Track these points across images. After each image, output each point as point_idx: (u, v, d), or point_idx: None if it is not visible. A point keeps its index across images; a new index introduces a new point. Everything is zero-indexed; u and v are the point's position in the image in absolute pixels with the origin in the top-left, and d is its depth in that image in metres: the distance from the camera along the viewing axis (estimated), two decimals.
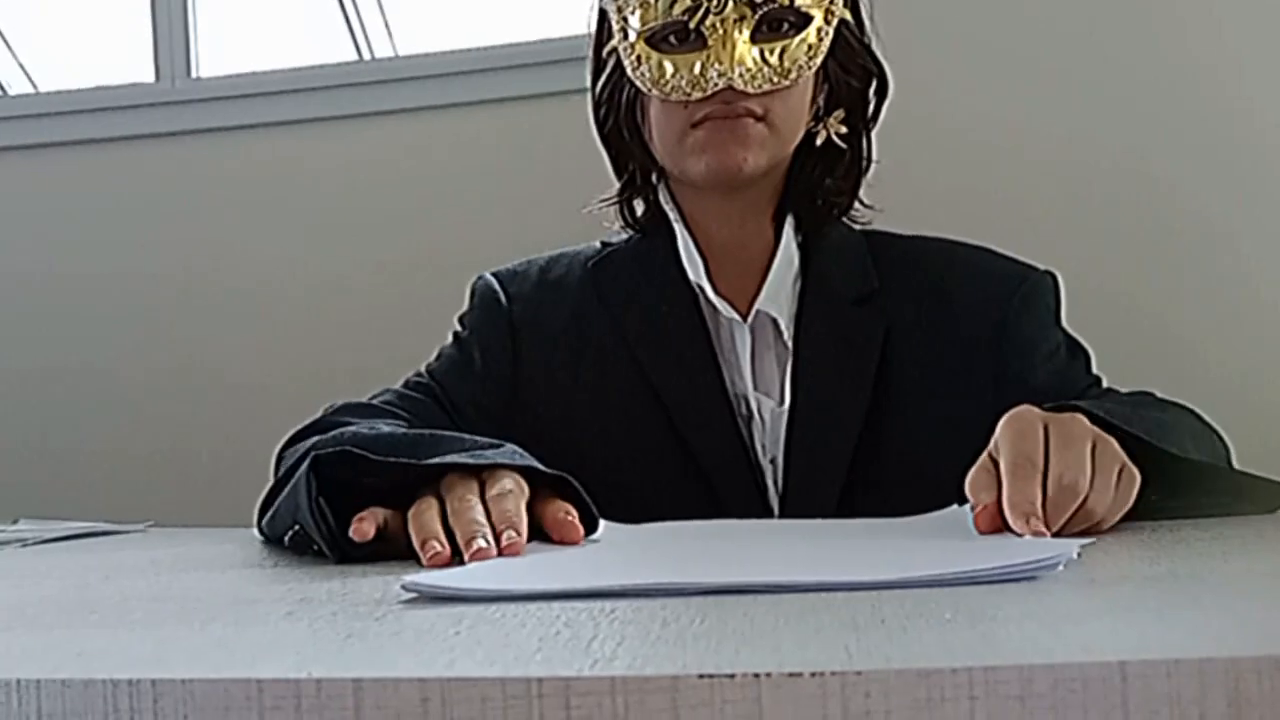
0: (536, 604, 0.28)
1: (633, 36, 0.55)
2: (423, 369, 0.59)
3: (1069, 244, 0.86)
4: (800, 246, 0.57)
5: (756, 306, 0.56)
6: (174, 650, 0.25)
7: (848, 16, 0.56)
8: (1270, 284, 0.97)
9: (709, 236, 0.58)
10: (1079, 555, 0.31)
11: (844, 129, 0.57)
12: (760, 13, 0.53)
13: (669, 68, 0.54)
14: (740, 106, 0.53)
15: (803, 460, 0.53)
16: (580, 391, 0.56)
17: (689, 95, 0.53)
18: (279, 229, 1.15)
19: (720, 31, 0.53)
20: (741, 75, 0.52)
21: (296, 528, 0.40)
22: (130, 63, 1.23)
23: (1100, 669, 0.20)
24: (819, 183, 0.57)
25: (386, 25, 1.24)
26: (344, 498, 0.40)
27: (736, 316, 0.56)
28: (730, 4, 0.53)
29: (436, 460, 0.41)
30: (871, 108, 0.58)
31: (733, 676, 0.20)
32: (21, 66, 1.33)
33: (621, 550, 0.38)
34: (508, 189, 1.09)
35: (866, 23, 0.58)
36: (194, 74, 1.20)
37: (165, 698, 0.21)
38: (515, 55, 1.11)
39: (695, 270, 0.56)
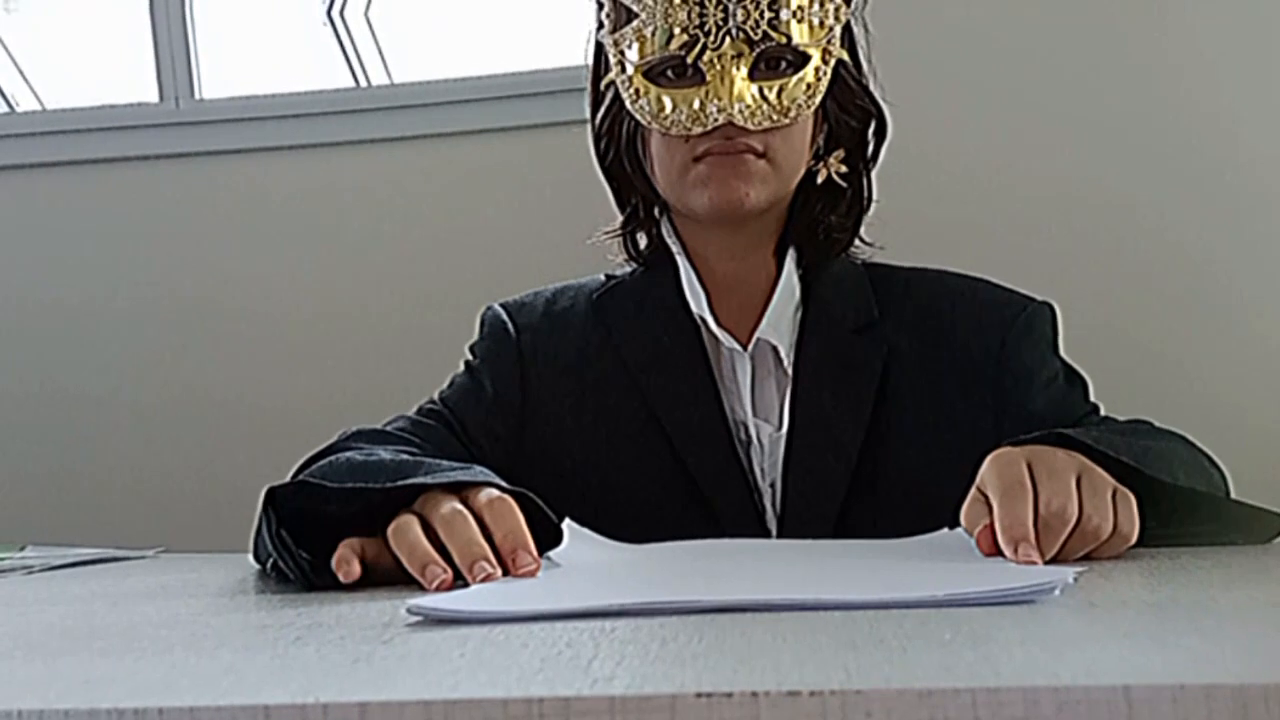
0: (539, 625, 0.28)
1: (630, 70, 0.56)
2: (436, 396, 0.60)
3: (1065, 275, 0.86)
4: (801, 278, 0.58)
5: (757, 335, 0.56)
6: (181, 677, 0.25)
7: (845, 57, 0.57)
8: (1264, 311, 0.98)
9: (711, 269, 0.59)
10: (1075, 580, 0.31)
11: (844, 168, 0.58)
12: (758, 50, 0.54)
13: (668, 102, 0.54)
14: (741, 143, 0.54)
15: (800, 484, 0.54)
16: (585, 419, 0.57)
17: (689, 130, 0.54)
18: (284, 251, 1.17)
19: (718, 67, 0.54)
20: (741, 111, 0.53)
21: (272, 558, 0.41)
22: (136, 82, 1.23)
23: (1105, 692, 0.20)
24: (821, 219, 0.58)
25: (380, 54, 1.27)
26: (316, 526, 0.40)
27: (737, 346, 0.56)
28: (727, 40, 0.54)
29: (393, 484, 0.41)
30: (871, 148, 0.59)
31: (730, 695, 0.20)
32: (29, 84, 1.34)
33: (622, 570, 0.38)
34: (510, 217, 1.10)
35: (864, 65, 0.59)
36: (198, 95, 1.21)
37: None
38: (528, 84, 1.14)
39: (697, 302, 0.57)
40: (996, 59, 1.04)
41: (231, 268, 1.18)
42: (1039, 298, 0.59)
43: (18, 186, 1.23)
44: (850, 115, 0.58)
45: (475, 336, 0.61)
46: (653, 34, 0.55)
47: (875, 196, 0.60)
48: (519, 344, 0.59)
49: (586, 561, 0.40)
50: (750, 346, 0.56)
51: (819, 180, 0.58)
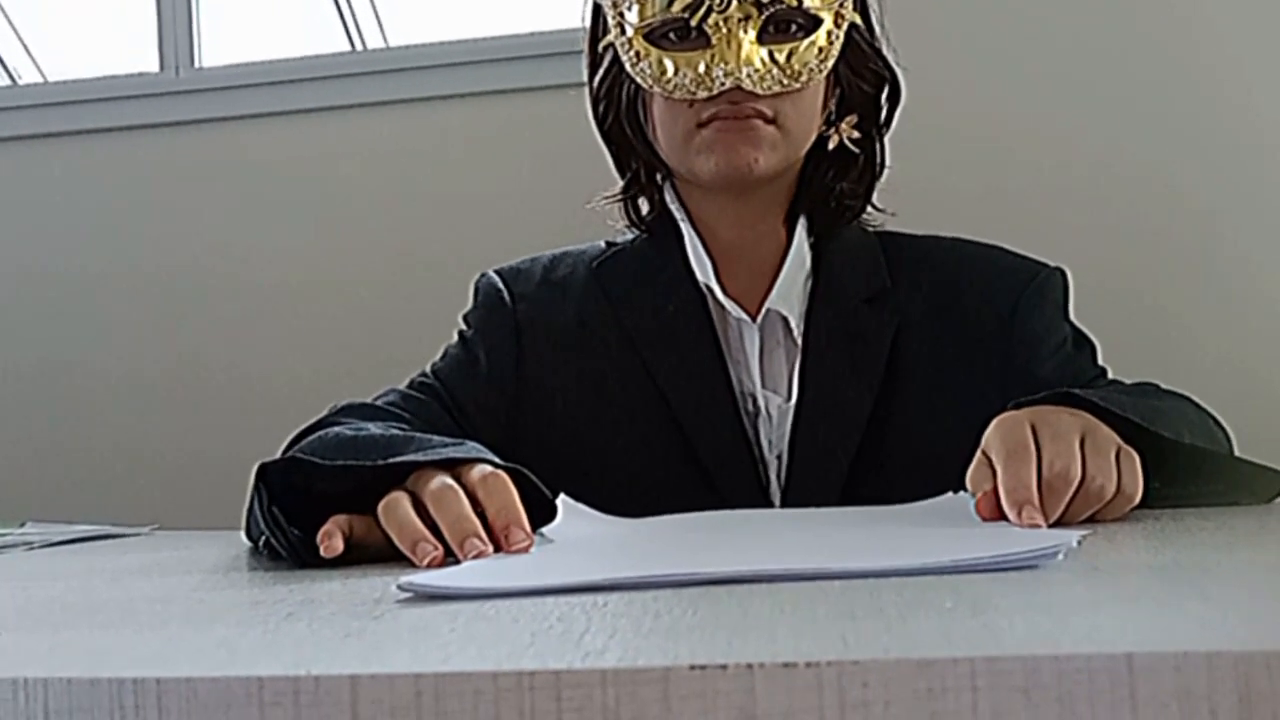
0: (530, 599, 0.28)
1: (630, 32, 0.54)
2: (428, 369, 0.59)
3: (1076, 241, 0.85)
4: (812, 247, 0.57)
5: (767, 305, 0.55)
6: (178, 650, 0.25)
7: (858, 20, 0.55)
8: (1272, 277, 0.96)
9: (717, 237, 0.57)
10: (1079, 544, 0.30)
11: (857, 134, 0.56)
12: (767, 13, 0.52)
13: (670, 65, 0.53)
14: (749, 107, 0.52)
15: (807, 455, 0.53)
16: (584, 390, 0.55)
17: (694, 94, 0.52)
18: (284, 219, 1.16)
19: (724, 30, 0.52)
20: (750, 76, 0.52)
21: (265, 535, 0.40)
22: (136, 52, 1.23)
23: (1107, 660, 0.19)
24: (832, 186, 0.57)
25: (377, 17, 1.25)
26: (308, 503, 0.40)
27: (746, 317, 0.55)
28: (734, 3, 0.52)
29: (384, 461, 0.40)
30: (884, 113, 0.58)
31: (725, 667, 0.19)
32: (31, 56, 1.34)
33: (614, 543, 0.38)
34: (509, 181, 1.08)
35: (877, 28, 0.57)
36: (198, 64, 1.20)
37: (169, 695, 0.21)
38: (525, 46, 1.11)
39: (704, 271, 0.56)
40: (1010, 24, 1.02)
41: (233, 237, 1.17)
42: (1051, 263, 0.58)
43: (20, 157, 1.22)
44: (863, 79, 0.56)
45: (469, 305, 0.60)
46: None
47: (888, 163, 0.58)
48: (514, 313, 0.58)
49: (578, 536, 0.40)
50: (759, 317, 0.55)
51: (830, 146, 0.56)
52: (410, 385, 0.58)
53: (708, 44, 0.52)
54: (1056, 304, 0.57)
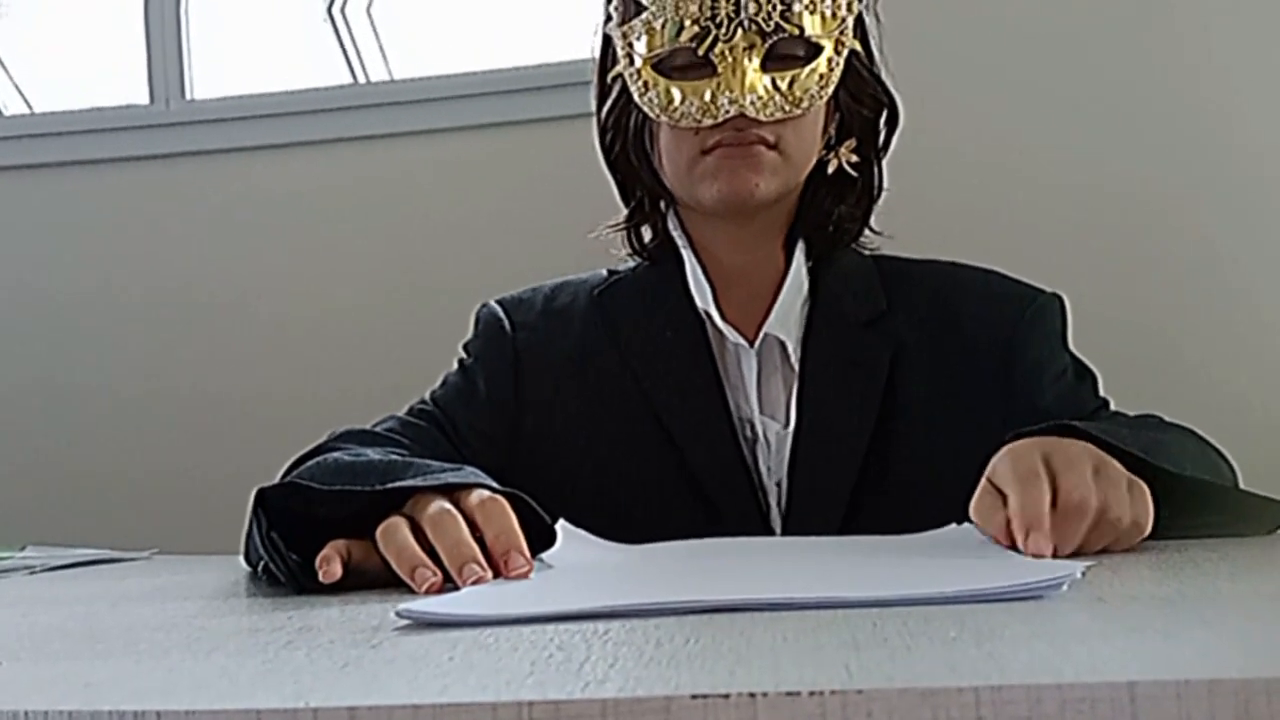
0: (530, 627, 0.27)
1: (639, 62, 0.55)
2: (428, 396, 0.59)
3: (1073, 266, 0.86)
4: (810, 271, 0.57)
5: (764, 330, 0.55)
6: (178, 680, 0.25)
7: (858, 47, 0.56)
8: (1271, 303, 0.97)
9: (718, 263, 0.58)
10: (1083, 575, 0.30)
11: (855, 158, 0.57)
12: (770, 41, 0.53)
13: (677, 94, 0.53)
14: (752, 134, 0.53)
15: (806, 481, 0.53)
16: (584, 418, 0.56)
17: (700, 122, 0.53)
18: (277, 250, 1.16)
19: (730, 59, 0.53)
20: (753, 103, 0.52)
21: (263, 560, 0.40)
22: (125, 84, 1.23)
23: (1109, 689, 0.19)
24: (830, 210, 0.57)
25: (381, 49, 1.26)
26: (306, 528, 0.40)
27: (743, 342, 0.55)
28: (740, 32, 0.53)
29: (382, 486, 0.40)
30: (882, 137, 0.58)
31: (727, 696, 0.19)
32: (17, 87, 1.33)
33: (615, 570, 0.38)
34: (504, 214, 1.09)
35: (876, 54, 0.58)
36: (188, 96, 1.21)
37: None
38: (514, 80, 1.13)
39: (703, 297, 0.56)
40: (1007, 49, 1.03)
41: (226, 267, 1.17)
42: (1048, 289, 0.58)
43: (9, 189, 1.23)
44: (862, 105, 0.57)
45: (470, 334, 0.60)
46: (662, 26, 0.54)
47: (885, 185, 0.59)
48: (514, 342, 0.58)
49: (579, 562, 0.40)
50: (757, 342, 0.55)
51: (830, 170, 0.57)
52: (410, 412, 0.58)
53: (714, 72, 0.53)
54: (1055, 332, 0.57)
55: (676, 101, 0.54)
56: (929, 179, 0.89)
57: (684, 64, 0.54)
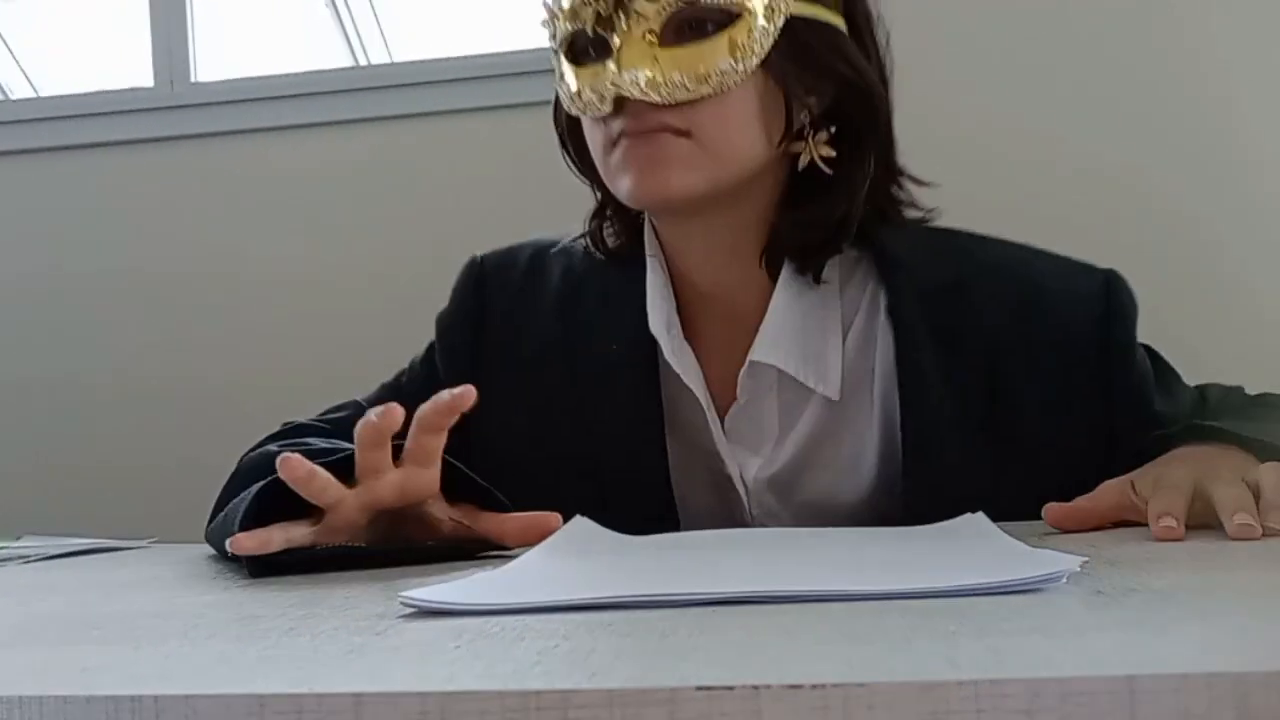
0: (535, 616, 0.27)
1: (558, 48, 0.49)
2: (398, 375, 0.57)
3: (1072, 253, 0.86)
4: (817, 279, 0.48)
5: (751, 358, 0.48)
6: (177, 666, 0.25)
7: (808, 12, 0.46)
8: (1271, 293, 0.97)
9: (691, 282, 0.50)
10: (1081, 569, 0.30)
11: (831, 151, 0.47)
12: (668, 14, 0.45)
13: (573, 81, 0.47)
14: (653, 120, 0.45)
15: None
16: (526, 427, 0.51)
17: (598, 110, 0.46)
18: (280, 233, 1.16)
19: (627, 37, 0.45)
20: (636, 83, 0.44)
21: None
22: (129, 67, 1.24)
23: (1108, 683, 0.19)
24: (817, 214, 0.48)
25: (381, 32, 1.26)
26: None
27: (698, 375, 0.49)
28: (634, 5, 0.45)
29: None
30: (867, 124, 0.48)
31: (731, 688, 0.19)
32: (23, 71, 1.35)
33: (620, 561, 0.38)
34: (505, 196, 1.09)
35: (872, 26, 0.49)
36: (192, 79, 1.20)
37: (168, 713, 0.21)
38: (514, 63, 1.12)
39: (658, 316, 0.49)
40: (1007, 40, 1.02)
41: (228, 250, 1.17)
42: (1104, 270, 0.50)
43: (13, 173, 1.22)
44: (822, 83, 0.47)
45: (450, 301, 0.56)
46: (563, 6, 0.47)
47: (902, 169, 0.50)
48: (484, 325, 0.53)
49: (586, 552, 0.40)
50: (741, 372, 0.48)
51: (800, 166, 0.47)
52: (377, 393, 0.56)
53: (609, 53, 0.46)
54: (1134, 340, 0.49)
55: (574, 89, 0.47)
56: (927, 171, 0.89)
57: (584, 46, 0.47)
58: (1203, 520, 0.38)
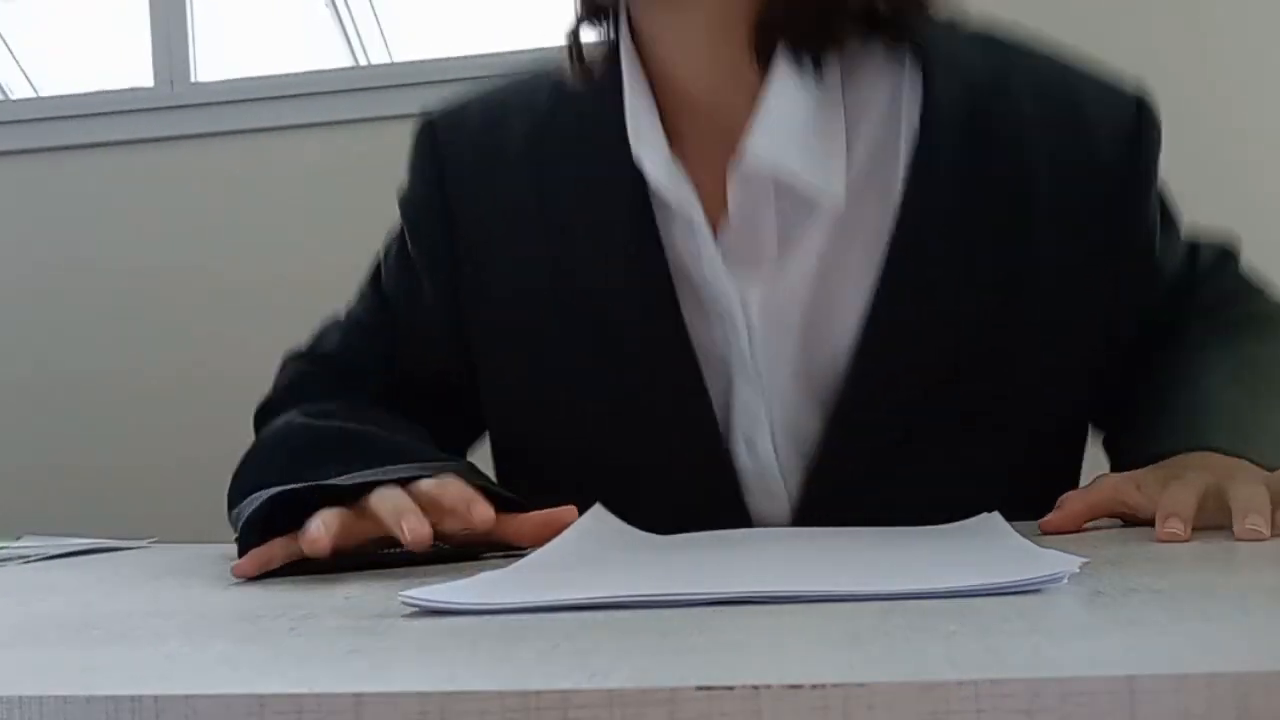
0: (535, 616, 0.27)
1: None
2: (374, 273, 0.51)
3: None
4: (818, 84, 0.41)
5: (740, 160, 0.41)
6: (177, 666, 0.25)
7: None
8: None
9: (676, 89, 0.43)
10: (1081, 569, 0.30)
11: None
12: None
13: None
14: None
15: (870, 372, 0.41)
16: (518, 309, 0.45)
17: None
18: (279, 234, 1.16)
19: None
20: None
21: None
22: (129, 67, 1.24)
23: (1108, 683, 0.19)
24: None
25: (382, 32, 1.26)
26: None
27: (693, 197, 0.42)
28: None
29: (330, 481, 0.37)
30: None
31: (732, 688, 0.19)
32: (23, 71, 1.36)
33: (621, 560, 0.38)
34: None
35: None
36: (192, 79, 1.21)
37: (168, 713, 0.21)
38: (514, 63, 1.12)
39: (639, 135, 0.42)
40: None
41: (229, 252, 1.17)
42: (1135, 93, 0.44)
43: (13, 173, 1.22)
44: None
45: (407, 173, 0.49)
46: None
47: None
48: (448, 199, 0.47)
49: (587, 552, 0.40)
50: (732, 179, 0.41)
51: None
52: (355, 307, 0.52)
53: None
54: (1155, 171, 0.44)
55: None
56: None
57: None
58: (1214, 523, 0.38)
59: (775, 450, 0.45)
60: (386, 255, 0.53)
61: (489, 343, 0.48)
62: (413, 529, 0.35)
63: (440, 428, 0.48)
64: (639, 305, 0.44)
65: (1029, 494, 0.42)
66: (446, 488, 0.37)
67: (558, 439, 0.46)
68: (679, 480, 0.45)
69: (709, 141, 0.44)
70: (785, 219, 0.43)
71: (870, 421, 0.43)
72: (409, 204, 0.51)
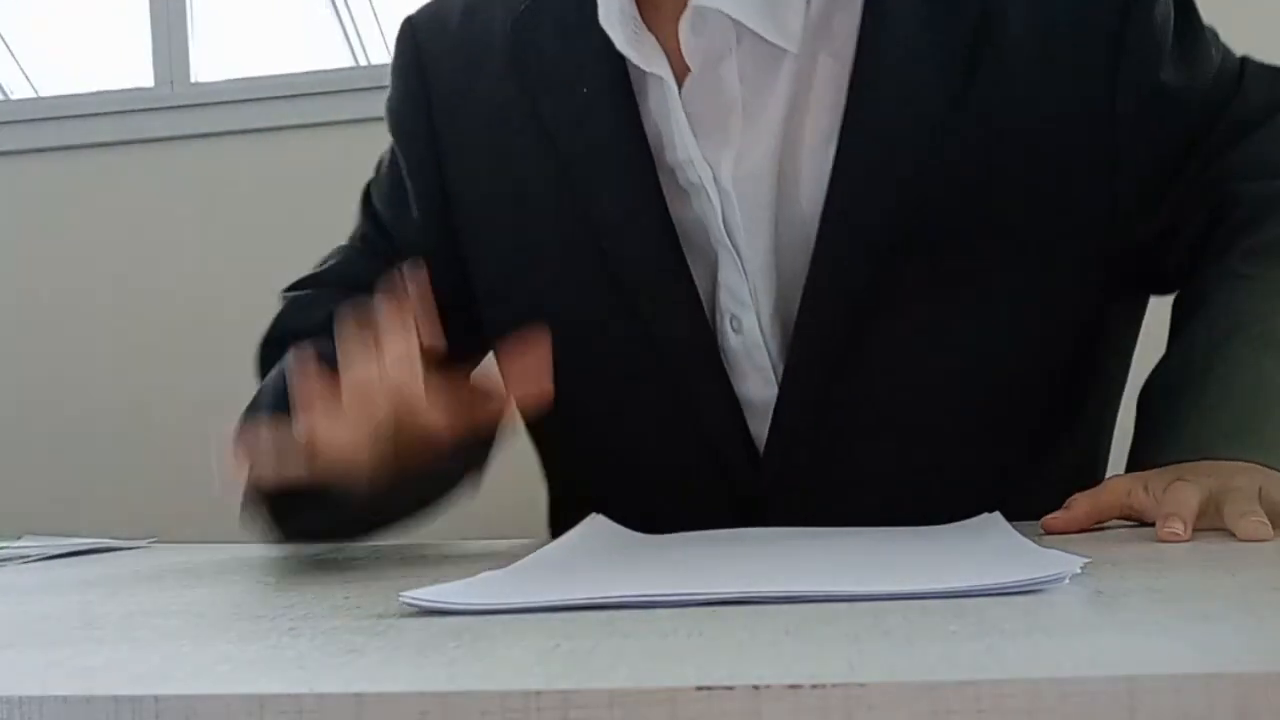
0: (536, 616, 0.28)
1: None
2: (365, 196, 0.51)
3: None
4: None
5: (693, 2, 0.40)
6: (177, 666, 0.25)
7: None
8: None
9: None
10: (1082, 570, 0.30)
11: None
12: None
13: None
14: None
15: (835, 226, 0.38)
16: (507, 212, 0.44)
17: None
18: (279, 234, 1.16)
19: None
20: None
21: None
22: (129, 67, 1.24)
23: (1108, 683, 0.19)
24: None
25: (382, 32, 1.26)
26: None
27: (662, 59, 0.41)
28: None
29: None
30: None
31: (731, 688, 0.19)
32: (23, 71, 1.35)
33: (621, 560, 0.38)
34: None
35: None
36: (193, 79, 1.21)
37: (167, 713, 0.21)
38: None
39: (609, 3, 0.41)
40: None
41: (229, 252, 1.17)
42: None
43: (12, 173, 1.22)
44: None
45: (390, 77, 0.49)
46: None
47: None
48: (431, 106, 0.46)
49: (588, 552, 0.40)
50: (684, 21, 0.40)
51: None
52: (354, 232, 0.52)
53: None
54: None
55: None
56: None
57: None
58: (1216, 524, 0.38)
59: (761, 329, 0.43)
60: (377, 171, 0.53)
61: (476, 232, 0.47)
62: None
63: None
64: (620, 184, 0.43)
65: (1022, 375, 0.39)
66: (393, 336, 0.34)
67: (549, 327, 0.43)
68: (668, 366, 0.43)
69: (681, 9, 0.42)
70: (749, 76, 0.42)
71: (842, 285, 0.41)
72: (392, 107, 0.51)
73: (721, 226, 0.43)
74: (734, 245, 0.43)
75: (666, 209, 0.43)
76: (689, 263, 0.44)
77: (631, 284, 0.44)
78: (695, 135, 0.43)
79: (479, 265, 0.47)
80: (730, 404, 0.44)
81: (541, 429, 0.45)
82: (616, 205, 0.43)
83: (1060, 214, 0.41)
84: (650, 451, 0.44)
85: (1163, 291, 0.48)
